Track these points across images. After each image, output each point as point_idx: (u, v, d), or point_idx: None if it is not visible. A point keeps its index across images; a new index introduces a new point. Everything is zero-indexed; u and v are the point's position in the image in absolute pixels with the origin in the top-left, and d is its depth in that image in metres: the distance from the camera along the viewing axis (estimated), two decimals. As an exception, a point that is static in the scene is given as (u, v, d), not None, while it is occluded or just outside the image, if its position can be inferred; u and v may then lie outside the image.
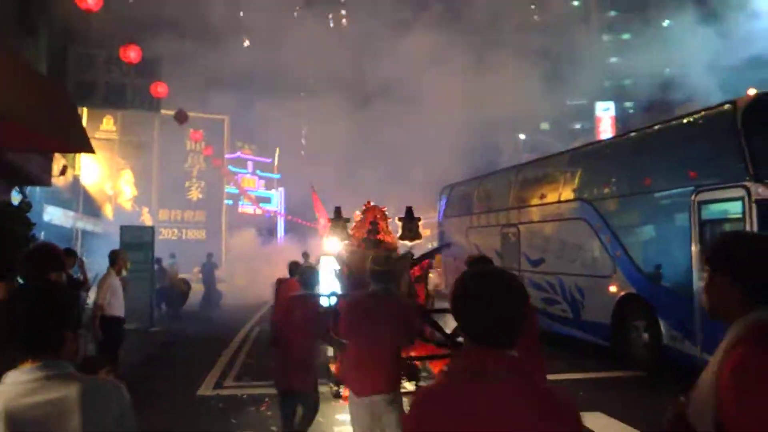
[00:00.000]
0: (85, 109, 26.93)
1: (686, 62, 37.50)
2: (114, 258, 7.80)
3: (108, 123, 30.52)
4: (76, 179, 25.21)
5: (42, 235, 17.90)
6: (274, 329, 5.57)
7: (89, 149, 8.66)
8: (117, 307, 7.40)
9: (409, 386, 6.49)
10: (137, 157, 31.93)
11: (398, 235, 7.32)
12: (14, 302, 1.89)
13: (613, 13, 59.63)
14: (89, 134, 26.42)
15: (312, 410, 5.28)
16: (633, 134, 10.05)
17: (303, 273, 5.59)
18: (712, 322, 7.61)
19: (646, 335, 8.96)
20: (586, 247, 10.42)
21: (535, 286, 11.85)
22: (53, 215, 19.62)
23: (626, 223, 9.72)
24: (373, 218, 7.19)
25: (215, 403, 7.57)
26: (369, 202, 7.54)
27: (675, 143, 8.94)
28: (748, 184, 7.21)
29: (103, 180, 30.42)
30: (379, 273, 4.42)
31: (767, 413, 1.56)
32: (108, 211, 30.13)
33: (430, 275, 7.60)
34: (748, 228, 7.20)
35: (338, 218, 7.32)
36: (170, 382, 8.78)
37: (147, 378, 9.09)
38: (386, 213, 7.50)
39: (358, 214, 7.56)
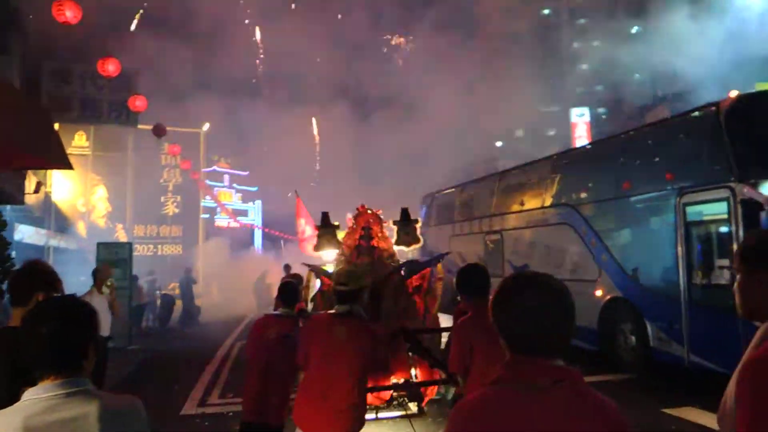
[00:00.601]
0: (56, 125, 26.54)
1: (655, 68, 38.23)
2: (94, 276, 7.59)
3: (80, 139, 29.98)
4: (47, 196, 24.71)
5: (13, 255, 17.56)
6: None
7: (68, 166, 8.44)
8: (100, 326, 7.19)
9: (413, 407, 6.28)
10: (111, 173, 31.42)
11: (394, 240, 6.68)
12: (37, 319, 1.80)
13: (582, 21, 60.52)
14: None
15: None
16: (617, 138, 10.10)
17: (280, 288, 4.78)
18: (699, 325, 7.65)
19: (633, 338, 8.96)
20: (571, 252, 10.43)
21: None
22: (24, 233, 19.15)
23: (611, 226, 9.75)
24: (366, 223, 6.37)
25: (200, 422, 7.35)
26: (363, 206, 6.74)
27: (659, 146, 9.01)
28: (732, 184, 7.26)
29: (75, 196, 29.86)
30: (343, 293, 3.76)
31: None
32: (81, 228, 29.55)
33: (437, 284, 6.60)
34: (732, 229, 7.25)
35: (326, 225, 6.47)
36: (153, 401, 8.48)
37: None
38: (381, 216, 6.71)
39: (350, 219, 6.76)
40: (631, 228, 9.34)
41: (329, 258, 6.82)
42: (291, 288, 4.65)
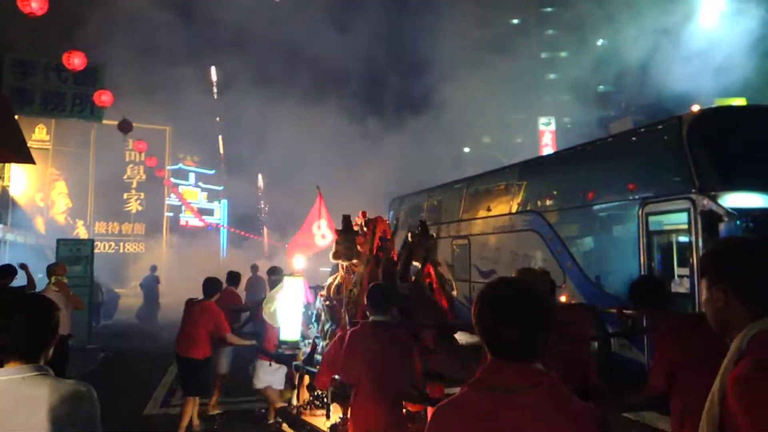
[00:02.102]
0: (15, 117, 25.79)
1: (619, 80, 39.14)
2: (48, 272, 7.40)
3: (41, 132, 29.22)
4: (5, 190, 24.04)
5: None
6: None
7: (29, 159, 8.24)
8: (56, 324, 6.99)
9: None
10: (72, 168, 30.70)
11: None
12: (6, 310, 2.07)
13: (551, 32, 61.62)
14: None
15: None
16: (583, 147, 10.32)
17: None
18: (660, 330, 7.86)
19: (595, 344, 9.14)
20: (536, 258, 10.59)
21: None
22: (-23, 228, 18.62)
23: (576, 234, 9.95)
24: (383, 233, 5.74)
25: (163, 422, 7.24)
26: (365, 213, 6.04)
27: (623, 156, 9.24)
28: (693, 196, 7.49)
29: (33, 191, 29.08)
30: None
31: None
32: (39, 223, 28.78)
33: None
34: (692, 239, 7.47)
35: (349, 231, 5.67)
36: (114, 401, 8.32)
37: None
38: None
39: (356, 226, 5.92)
40: (596, 236, 9.55)
41: (299, 266, 6.32)
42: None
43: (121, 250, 32.20)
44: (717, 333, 1.76)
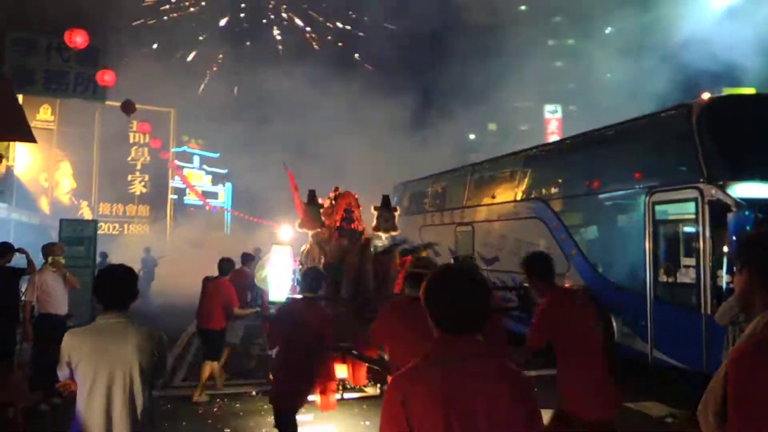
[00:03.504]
0: (20, 98, 25.72)
1: (627, 68, 38.76)
2: (44, 252, 7.35)
3: (45, 112, 29.15)
4: (9, 170, 24.06)
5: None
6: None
7: (30, 138, 8.18)
8: (52, 304, 6.96)
9: (370, 390, 6.28)
10: (77, 149, 30.63)
11: (373, 225, 6.74)
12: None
13: (558, 19, 61.01)
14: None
15: None
16: (589, 134, 10.18)
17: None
18: (663, 322, 7.79)
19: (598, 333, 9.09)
20: (541, 246, 10.48)
21: (490, 284, 11.91)
22: (-20, 207, 18.64)
23: (581, 222, 9.86)
24: (347, 205, 6.52)
25: (163, 403, 7.22)
26: (337, 188, 6.82)
27: (630, 144, 9.12)
28: (701, 185, 7.38)
29: (38, 171, 29.09)
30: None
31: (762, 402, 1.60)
32: (44, 203, 28.82)
33: None
34: (699, 229, 7.37)
35: (313, 203, 6.42)
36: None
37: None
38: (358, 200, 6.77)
39: (325, 200, 6.73)
40: (601, 224, 9.46)
41: (285, 238, 7.07)
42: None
43: (126, 232, 32.20)
44: (740, 309, 1.99)
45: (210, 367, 7.56)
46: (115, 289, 3.05)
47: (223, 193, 40.69)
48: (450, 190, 14.40)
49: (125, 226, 32.62)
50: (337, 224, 6.40)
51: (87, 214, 30.16)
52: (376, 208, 6.86)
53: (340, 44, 47.97)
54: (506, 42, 54.50)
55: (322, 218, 6.46)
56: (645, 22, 32.87)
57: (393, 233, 6.92)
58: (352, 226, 6.46)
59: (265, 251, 11.89)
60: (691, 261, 7.51)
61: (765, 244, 1.87)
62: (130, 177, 32.90)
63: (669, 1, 31.52)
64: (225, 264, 7.95)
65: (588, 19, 54.27)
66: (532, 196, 11.13)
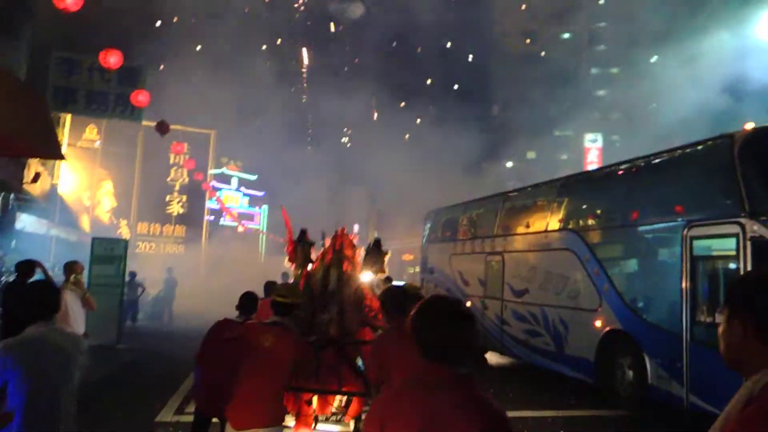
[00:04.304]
0: (68, 117, 26.55)
1: (673, 98, 37.91)
2: (65, 270, 7.30)
3: (91, 132, 30.02)
4: (53, 188, 24.66)
5: (13, 243, 17.46)
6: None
7: (58, 156, 8.28)
8: (70, 324, 6.86)
9: (350, 425, 5.96)
10: (119, 169, 31.39)
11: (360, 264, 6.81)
12: (33, 290, 3.38)
13: (602, 47, 60.30)
14: (72, 142, 25.86)
15: None
16: (625, 164, 9.79)
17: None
18: (701, 365, 7.30)
19: (631, 373, 8.60)
20: (572, 279, 10.10)
21: (518, 317, 11.51)
22: (26, 223, 19.07)
23: (615, 255, 9.42)
24: (339, 246, 6.54)
25: (173, 431, 7.06)
26: (344, 228, 6.90)
27: (669, 175, 8.70)
28: (743, 220, 6.94)
29: (81, 190, 29.83)
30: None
31: None
32: (85, 221, 29.47)
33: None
34: (741, 266, 6.92)
35: (301, 241, 6.72)
36: (129, 404, 8.25)
37: (105, 398, 8.57)
38: (354, 243, 6.80)
39: (328, 240, 6.83)
40: (636, 259, 9.00)
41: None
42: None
43: (161, 251, 32.66)
44: (727, 365, 1.65)
45: None
46: (46, 300, 3.22)
47: (260, 216, 41.03)
48: (481, 219, 14.08)
49: (162, 245, 33.09)
50: (327, 263, 6.42)
51: (125, 233, 30.73)
52: (367, 250, 6.99)
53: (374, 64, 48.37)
54: (548, 70, 54.18)
55: (311, 256, 6.70)
56: (692, 52, 32.07)
57: (381, 275, 7.00)
58: (343, 267, 6.38)
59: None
60: (732, 301, 7.03)
61: (765, 291, 1.56)
62: (168, 197, 33.48)
63: (717, 31, 30.77)
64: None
65: (633, 48, 53.60)
66: (564, 226, 10.75)
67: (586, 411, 8.79)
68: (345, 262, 6.43)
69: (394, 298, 4.15)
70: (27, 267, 7.36)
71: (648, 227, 8.74)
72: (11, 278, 10.27)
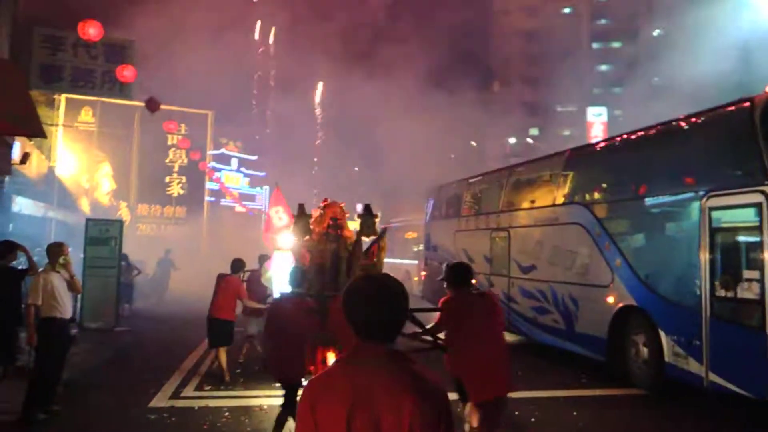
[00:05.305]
0: (63, 99, 26.04)
1: (676, 72, 37.22)
2: (49, 252, 6.83)
3: (87, 114, 29.55)
4: (50, 170, 24.29)
5: (11, 227, 17.13)
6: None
7: (40, 134, 7.90)
8: (57, 308, 6.48)
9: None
10: (117, 151, 30.96)
11: (356, 231, 7.74)
12: None
13: (603, 22, 59.34)
14: (67, 124, 25.30)
15: None
16: (637, 133, 9.32)
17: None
18: (721, 342, 6.93)
19: (645, 351, 8.25)
20: (581, 254, 9.71)
21: (526, 294, 11.16)
22: (22, 206, 18.72)
23: (627, 229, 9.01)
24: (334, 214, 7.69)
25: (167, 416, 6.73)
26: (326, 199, 8.07)
27: (684, 143, 8.26)
28: (765, 188, 6.53)
29: (79, 172, 29.45)
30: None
31: None
32: (84, 204, 29.10)
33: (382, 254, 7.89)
34: (764, 238, 6.52)
35: (302, 215, 7.64)
36: (123, 389, 7.94)
37: (99, 384, 8.31)
38: (344, 209, 7.98)
39: (316, 209, 7.97)
40: (650, 232, 8.58)
41: (285, 244, 8.57)
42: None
43: (162, 233, 32.30)
44: None
45: (224, 353, 8.62)
46: None
47: (261, 196, 40.63)
48: (486, 194, 13.66)
49: (162, 227, 32.75)
50: (324, 230, 7.51)
51: (125, 215, 30.36)
52: (359, 216, 7.78)
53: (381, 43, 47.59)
54: (548, 45, 53.33)
55: (311, 226, 7.63)
56: (696, 23, 31.32)
57: (373, 237, 7.85)
58: (338, 232, 7.55)
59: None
60: (754, 274, 6.64)
61: None
62: (167, 179, 33.05)
63: (721, 2, 30.04)
64: (236, 263, 9.06)
65: (635, 22, 52.68)
66: (573, 200, 10.33)
67: (598, 390, 8.46)
68: (341, 228, 7.53)
69: (455, 271, 5.24)
70: (7, 248, 7.00)
71: (663, 198, 8.32)
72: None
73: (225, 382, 8.39)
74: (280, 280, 8.17)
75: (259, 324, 9.09)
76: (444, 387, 1.89)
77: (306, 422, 1.85)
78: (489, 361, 4.78)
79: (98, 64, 14.38)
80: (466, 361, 4.87)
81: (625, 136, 9.62)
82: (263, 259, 10.31)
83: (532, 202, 11.58)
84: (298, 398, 4.92)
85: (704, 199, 7.34)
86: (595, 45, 59.21)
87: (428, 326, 5.57)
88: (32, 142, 18.24)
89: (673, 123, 8.53)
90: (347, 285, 2.06)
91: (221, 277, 8.85)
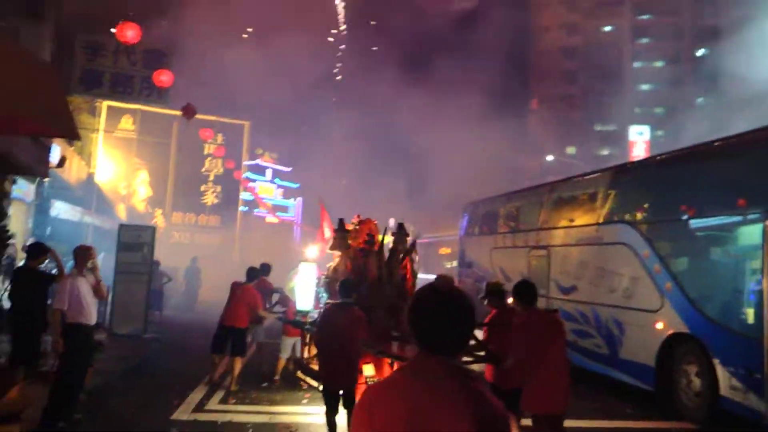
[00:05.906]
0: (104, 106, 26.49)
1: (720, 92, 36.16)
2: (76, 255, 6.61)
3: (127, 122, 30.05)
4: (90, 177, 24.69)
5: (48, 230, 17.34)
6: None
7: (75, 135, 7.79)
8: (83, 314, 6.27)
9: None
10: (154, 158, 31.38)
11: (390, 248, 8.19)
12: None
13: (645, 41, 58.27)
14: (108, 132, 25.74)
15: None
16: (691, 149, 8.80)
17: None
18: (785, 374, 6.37)
19: (698, 382, 7.69)
20: (627, 277, 9.19)
21: (565, 316, 10.61)
22: (60, 210, 18.97)
23: (679, 251, 8.48)
24: (369, 230, 8.11)
25: (188, 431, 6.46)
26: (359, 215, 8.44)
27: (743, 159, 7.72)
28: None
29: (118, 179, 29.91)
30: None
31: None
32: (121, 210, 29.48)
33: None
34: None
35: (342, 230, 8.00)
36: (147, 399, 7.71)
37: (123, 392, 8.09)
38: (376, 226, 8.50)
39: (350, 225, 8.31)
40: (705, 254, 8.04)
41: (312, 256, 9.75)
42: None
43: (196, 242, 32.47)
44: None
45: (240, 363, 8.64)
46: None
47: (293, 208, 40.67)
48: (524, 211, 13.20)
49: (196, 235, 32.96)
50: (361, 246, 8.02)
51: (160, 222, 30.65)
52: (393, 234, 8.23)
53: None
54: (588, 63, 52.57)
55: (349, 242, 8.02)
56: (739, 44, 30.41)
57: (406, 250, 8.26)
58: (373, 248, 7.99)
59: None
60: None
61: None
62: (202, 187, 33.29)
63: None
64: (251, 272, 9.25)
65: (678, 41, 51.61)
66: (618, 218, 9.82)
67: (645, 423, 7.92)
68: (376, 245, 8.04)
69: (529, 289, 5.50)
70: (37, 250, 6.89)
71: (720, 219, 7.80)
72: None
73: (231, 391, 8.33)
74: (304, 292, 8.57)
75: (262, 331, 9.85)
76: (506, 412, 1.82)
77: (362, 423, 1.84)
78: (553, 377, 4.93)
79: (137, 70, 14.45)
80: (532, 375, 4.99)
81: (677, 151, 9.10)
82: (268, 269, 10.35)
83: (574, 220, 11.09)
84: (340, 405, 5.57)
85: (765, 220, 6.82)
86: (636, 64, 58.08)
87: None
88: (72, 148, 18.48)
89: (733, 138, 8.01)
90: (416, 295, 2.00)
91: (237, 285, 8.97)
